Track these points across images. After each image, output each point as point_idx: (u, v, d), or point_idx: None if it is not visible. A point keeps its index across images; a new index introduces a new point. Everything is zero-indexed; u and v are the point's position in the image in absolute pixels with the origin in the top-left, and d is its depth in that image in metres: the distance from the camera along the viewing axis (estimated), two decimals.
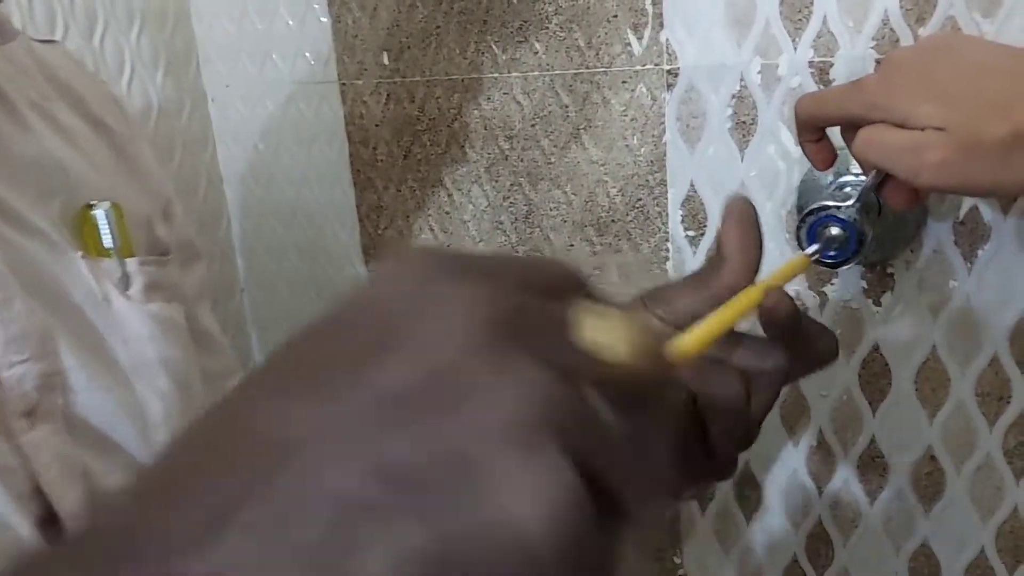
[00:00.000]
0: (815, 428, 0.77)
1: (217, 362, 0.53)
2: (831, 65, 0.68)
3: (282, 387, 0.20)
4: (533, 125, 0.81)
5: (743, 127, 0.73)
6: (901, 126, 0.48)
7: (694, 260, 0.78)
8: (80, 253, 0.42)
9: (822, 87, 0.69)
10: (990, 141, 0.46)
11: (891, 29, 0.66)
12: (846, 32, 0.67)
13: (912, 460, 0.74)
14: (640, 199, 0.79)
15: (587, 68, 0.77)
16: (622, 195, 0.79)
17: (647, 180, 0.78)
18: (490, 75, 0.81)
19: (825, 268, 0.67)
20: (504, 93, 0.81)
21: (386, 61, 0.85)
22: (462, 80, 0.82)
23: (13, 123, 0.43)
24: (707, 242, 0.77)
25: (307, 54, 0.89)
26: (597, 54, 0.76)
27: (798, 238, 0.58)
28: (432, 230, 0.89)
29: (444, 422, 0.19)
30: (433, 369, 0.19)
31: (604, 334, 0.21)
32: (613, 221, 0.80)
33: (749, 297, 0.37)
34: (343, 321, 0.21)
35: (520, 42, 0.79)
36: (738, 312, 0.36)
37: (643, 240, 0.80)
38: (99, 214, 0.44)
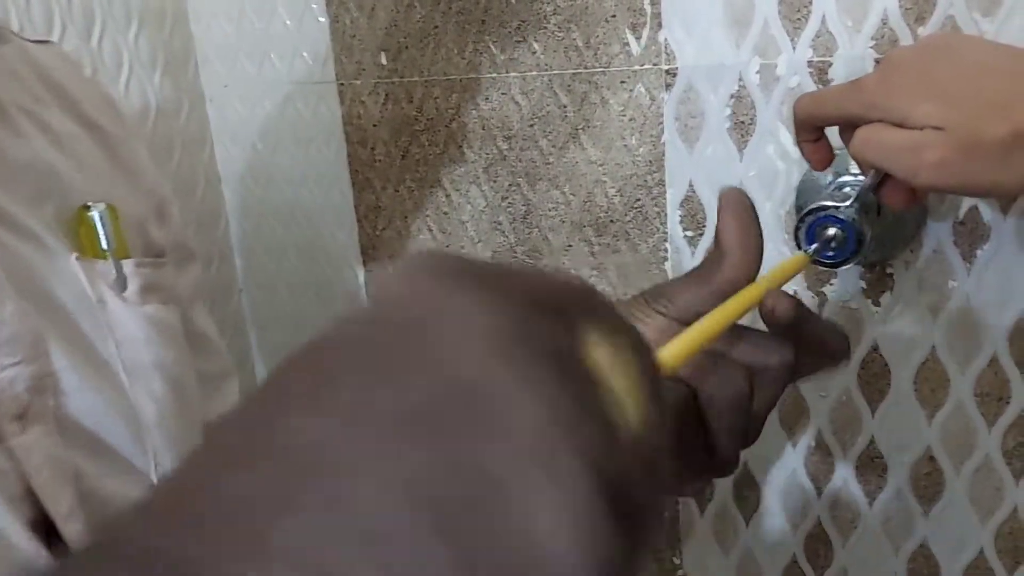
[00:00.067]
0: (814, 428, 0.77)
1: (212, 364, 0.53)
2: (830, 65, 0.68)
3: (298, 401, 0.19)
4: (531, 125, 0.81)
5: (742, 127, 0.73)
6: (900, 126, 0.48)
7: (693, 260, 0.78)
8: (75, 255, 0.42)
9: (821, 87, 0.69)
10: (989, 141, 0.46)
11: (890, 29, 0.66)
12: (845, 32, 0.67)
13: (911, 460, 0.74)
14: (639, 199, 0.78)
15: (585, 68, 0.77)
16: (620, 195, 0.79)
17: (645, 180, 0.78)
18: (488, 75, 0.81)
19: (824, 268, 0.67)
20: (502, 93, 0.81)
21: (384, 61, 0.85)
22: (460, 80, 0.82)
23: (5, 128, 0.43)
24: (706, 242, 0.77)
25: (305, 54, 0.89)
26: (595, 54, 0.76)
27: (797, 238, 0.58)
28: (430, 230, 0.88)
29: (467, 441, 0.18)
30: (452, 385, 0.19)
31: (613, 381, 0.21)
32: (612, 221, 0.80)
33: (747, 297, 0.37)
34: (356, 334, 0.21)
35: (518, 42, 0.79)
36: (736, 313, 0.36)
37: (642, 240, 0.79)
38: (95, 216, 0.44)
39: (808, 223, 0.57)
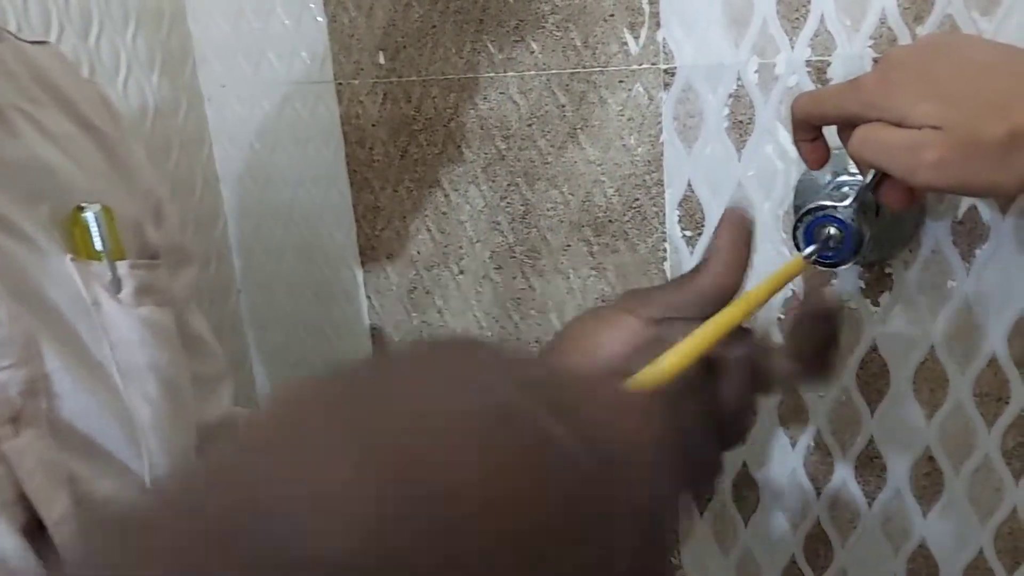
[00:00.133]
0: (813, 428, 0.77)
1: (207, 367, 0.53)
2: (828, 64, 0.68)
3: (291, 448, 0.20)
4: (530, 125, 0.80)
5: (740, 127, 0.72)
6: (898, 125, 0.48)
7: (691, 260, 0.78)
8: (70, 256, 0.42)
9: (819, 86, 0.69)
10: (988, 141, 0.45)
11: (889, 28, 0.65)
12: (843, 31, 0.67)
13: (911, 460, 0.74)
14: (637, 199, 0.78)
15: (584, 68, 0.77)
16: (619, 195, 0.79)
17: (644, 180, 0.77)
18: (486, 75, 0.81)
19: (823, 268, 0.67)
20: (500, 93, 0.81)
21: (382, 61, 0.85)
22: (458, 80, 0.82)
23: (0, 128, 0.42)
24: (704, 242, 0.77)
25: (303, 54, 0.89)
26: (594, 53, 0.76)
27: (795, 238, 0.58)
28: (429, 230, 0.88)
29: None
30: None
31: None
32: (610, 221, 0.80)
33: (739, 309, 0.37)
34: (354, 378, 0.22)
35: (516, 41, 0.79)
36: (735, 319, 0.36)
37: (640, 240, 0.79)
38: (89, 217, 0.44)
39: (806, 223, 0.57)
